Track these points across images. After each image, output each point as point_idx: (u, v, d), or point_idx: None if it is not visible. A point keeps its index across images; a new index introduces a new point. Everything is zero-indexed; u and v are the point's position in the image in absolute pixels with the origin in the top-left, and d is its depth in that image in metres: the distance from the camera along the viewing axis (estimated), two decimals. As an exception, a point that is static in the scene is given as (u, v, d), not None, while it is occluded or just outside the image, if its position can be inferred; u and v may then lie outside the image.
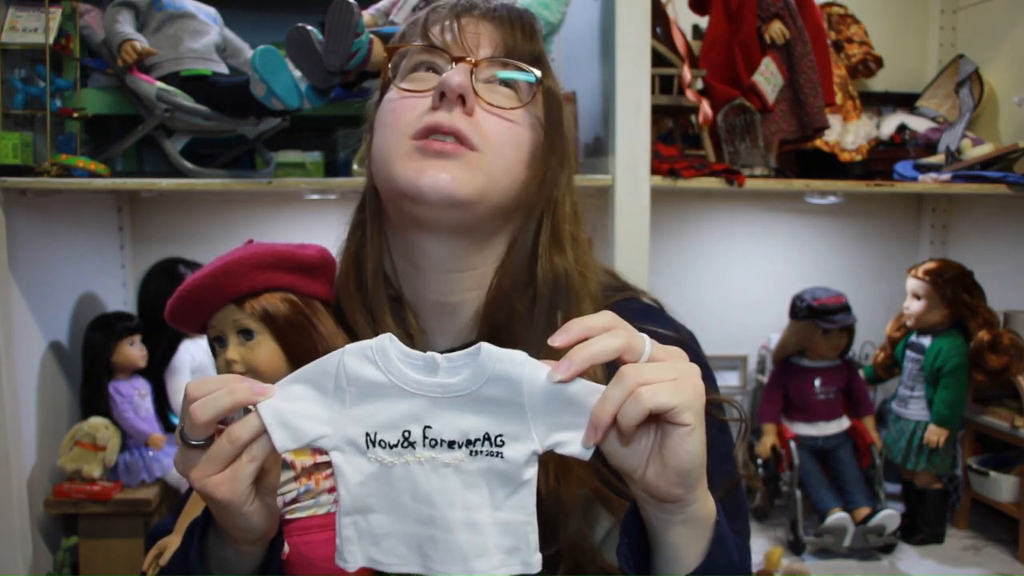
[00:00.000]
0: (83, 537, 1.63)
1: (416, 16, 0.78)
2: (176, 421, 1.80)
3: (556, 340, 0.57)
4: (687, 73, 1.73)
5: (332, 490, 0.74)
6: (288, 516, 0.73)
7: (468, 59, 0.73)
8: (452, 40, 0.74)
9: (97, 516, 1.61)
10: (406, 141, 0.72)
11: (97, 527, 1.62)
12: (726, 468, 0.78)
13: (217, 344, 0.76)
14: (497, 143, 0.72)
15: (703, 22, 1.92)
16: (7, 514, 1.46)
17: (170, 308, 0.75)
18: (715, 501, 0.63)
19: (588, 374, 0.58)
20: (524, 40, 0.75)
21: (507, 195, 0.74)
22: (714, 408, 0.76)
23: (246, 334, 0.74)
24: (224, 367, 0.75)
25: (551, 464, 0.69)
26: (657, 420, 0.56)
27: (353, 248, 0.80)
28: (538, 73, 0.75)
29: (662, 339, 0.76)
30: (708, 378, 0.77)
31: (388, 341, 0.58)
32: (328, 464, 0.73)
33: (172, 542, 0.78)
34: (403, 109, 0.73)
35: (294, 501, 0.73)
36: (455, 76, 0.70)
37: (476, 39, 0.74)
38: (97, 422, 1.63)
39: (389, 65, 0.78)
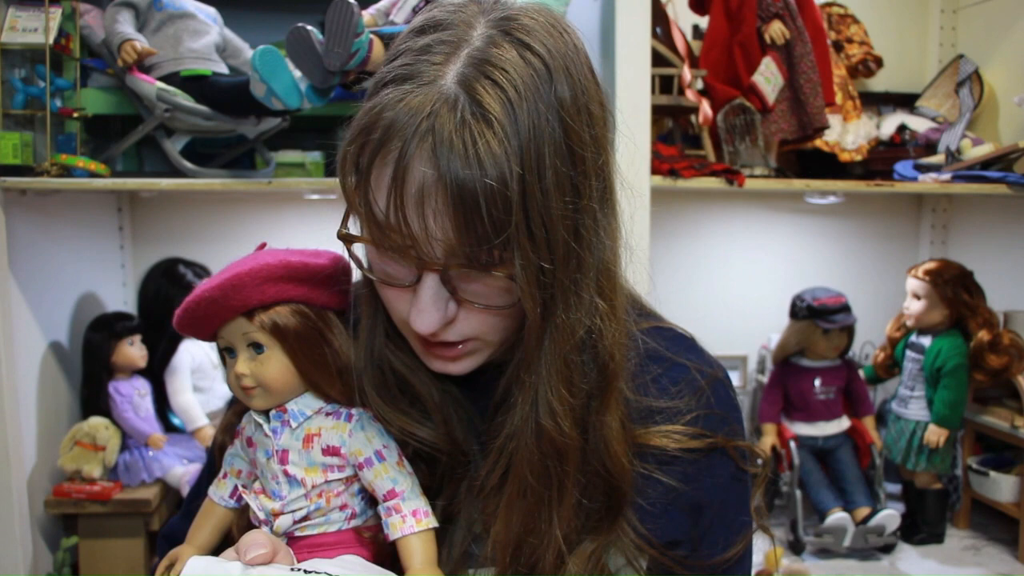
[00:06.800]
0: (83, 537, 1.63)
1: (366, 143, 0.61)
2: (176, 421, 1.80)
3: None
4: (687, 73, 1.73)
5: (343, 507, 0.73)
6: (298, 534, 0.72)
7: (434, 267, 0.62)
8: (400, 231, 0.61)
9: (97, 516, 1.61)
10: (407, 326, 0.69)
11: (97, 527, 1.62)
12: (741, 519, 0.76)
13: (227, 355, 0.75)
14: (489, 327, 0.68)
15: (703, 22, 1.92)
16: (7, 514, 1.46)
17: (178, 318, 0.74)
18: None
19: None
20: (482, 224, 0.59)
21: (517, 331, 0.69)
22: (735, 454, 0.75)
23: (256, 347, 0.73)
24: (234, 380, 0.74)
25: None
26: None
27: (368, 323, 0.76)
28: (505, 272, 0.62)
29: (698, 372, 0.75)
30: (736, 420, 0.76)
31: None
32: (339, 482, 0.73)
33: (184, 552, 0.77)
34: (389, 298, 0.69)
35: (305, 519, 0.72)
36: (425, 319, 0.64)
37: (426, 232, 0.60)
38: (97, 422, 1.63)
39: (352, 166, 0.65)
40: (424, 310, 0.64)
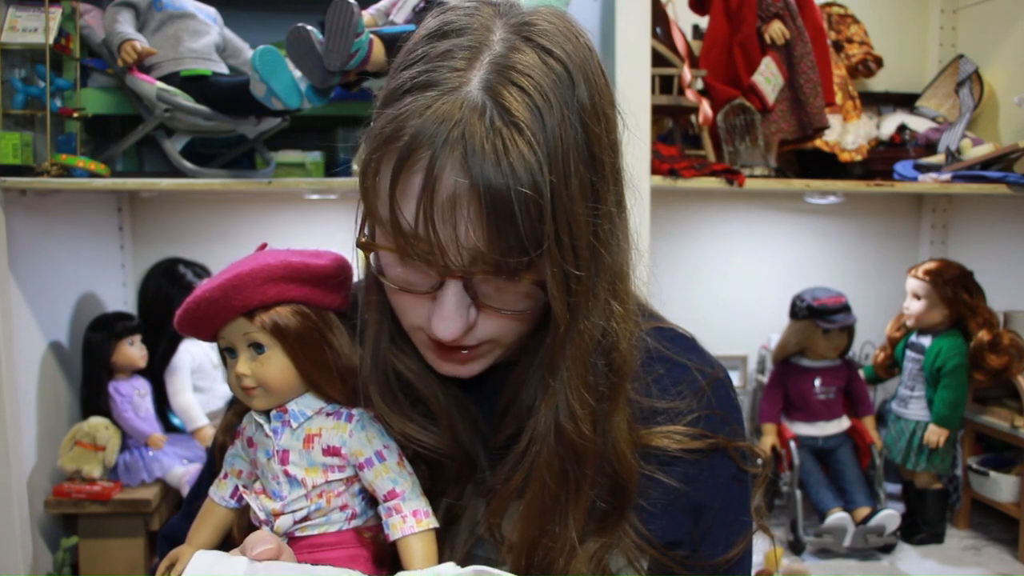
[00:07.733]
0: (83, 537, 1.63)
1: (386, 145, 0.60)
2: (176, 421, 1.80)
3: None
4: (687, 73, 1.73)
5: (344, 508, 0.73)
6: (299, 534, 0.72)
7: (458, 274, 0.62)
8: (428, 240, 0.60)
9: (97, 516, 1.61)
10: (419, 332, 0.69)
11: (97, 527, 1.62)
12: (741, 520, 0.76)
13: (228, 355, 0.75)
14: (506, 331, 0.68)
15: (703, 22, 1.92)
16: (7, 514, 1.46)
17: (178, 319, 0.74)
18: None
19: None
20: (514, 232, 0.59)
21: (528, 334, 0.70)
22: (736, 455, 0.75)
23: (256, 348, 0.73)
24: (234, 381, 0.74)
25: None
26: None
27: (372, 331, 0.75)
28: (531, 277, 0.62)
29: (699, 373, 0.75)
30: (736, 421, 0.76)
31: None
32: (340, 482, 0.73)
33: (184, 552, 0.77)
34: (404, 304, 0.68)
35: (305, 519, 0.72)
36: (450, 326, 0.64)
37: (456, 241, 0.59)
38: (97, 422, 1.63)
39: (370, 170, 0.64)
40: (448, 317, 0.64)
